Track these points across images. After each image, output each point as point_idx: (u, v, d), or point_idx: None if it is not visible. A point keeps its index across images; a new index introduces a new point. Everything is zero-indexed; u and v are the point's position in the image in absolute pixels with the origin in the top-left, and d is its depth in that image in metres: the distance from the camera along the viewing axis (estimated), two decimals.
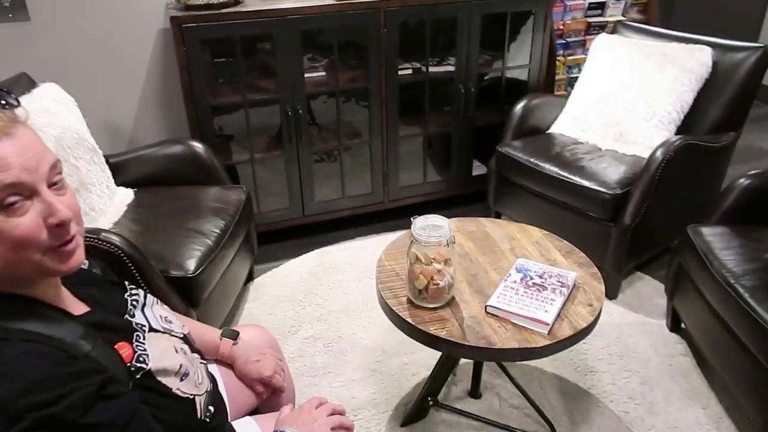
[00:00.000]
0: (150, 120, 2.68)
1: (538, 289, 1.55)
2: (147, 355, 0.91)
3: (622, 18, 3.18)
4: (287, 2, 2.40)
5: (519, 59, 2.90)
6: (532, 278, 1.60)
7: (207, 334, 1.31)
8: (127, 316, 0.98)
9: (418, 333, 1.47)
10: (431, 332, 1.44)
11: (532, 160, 2.48)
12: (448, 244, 1.46)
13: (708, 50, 2.43)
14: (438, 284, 1.47)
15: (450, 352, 1.47)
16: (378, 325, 2.23)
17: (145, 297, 1.08)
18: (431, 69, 2.72)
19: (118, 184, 2.19)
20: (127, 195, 2.15)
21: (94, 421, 0.74)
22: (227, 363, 1.32)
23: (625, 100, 2.50)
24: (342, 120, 2.72)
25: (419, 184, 2.93)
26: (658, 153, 2.17)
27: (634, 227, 2.21)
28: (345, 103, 2.80)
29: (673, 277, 2.10)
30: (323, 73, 2.61)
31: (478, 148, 2.97)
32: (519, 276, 1.61)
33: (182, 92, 2.34)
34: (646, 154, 2.29)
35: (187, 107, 2.36)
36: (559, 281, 1.58)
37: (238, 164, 2.65)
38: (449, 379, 1.98)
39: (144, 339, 0.94)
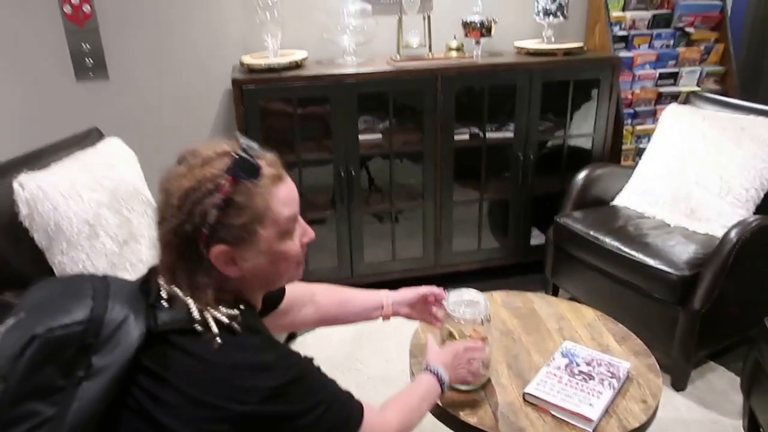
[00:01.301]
0: None
1: (584, 378, 1.41)
2: None
3: (696, 89, 3.03)
4: (346, 68, 2.45)
5: (583, 127, 2.80)
6: (578, 365, 1.46)
7: (358, 297, 1.39)
8: None
9: (446, 417, 1.36)
10: (460, 417, 1.33)
11: (592, 232, 2.34)
12: (483, 322, 1.36)
13: None
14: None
15: None
16: None
17: None
18: (489, 135, 2.68)
19: None
20: None
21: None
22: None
23: (697, 174, 2.33)
24: (395, 182, 2.69)
25: (473, 250, 2.83)
26: (733, 234, 1.99)
27: (705, 313, 2.01)
28: (399, 165, 2.78)
29: (750, 373, 1.86)
30: (378, 136, 2.62)
31: (537, 217, 2.85)
32: (564, 361, 1.47)
33: None
34: (719, 233, 2.11)
35: None
36: (609, 371, 1.43)
37: None
38: None
39: None
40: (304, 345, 2.42)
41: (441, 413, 1.37)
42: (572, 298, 2.59)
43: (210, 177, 0.85)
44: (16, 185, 1.66)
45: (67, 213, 1.72)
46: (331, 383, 0.97)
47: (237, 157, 0.86)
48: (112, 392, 0.79)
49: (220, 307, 0.88)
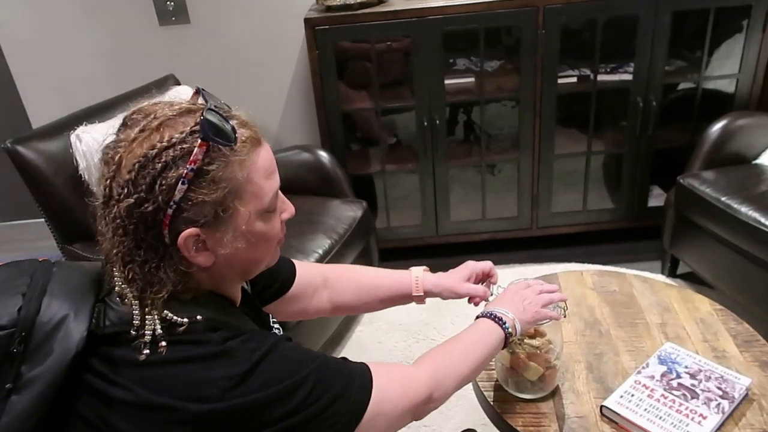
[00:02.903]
0: (289, 125, 2.64)
1: (684, 394, 1.12)
2: None
3: None
4: (430, 1, 2.15)
5: (725, 67, 2.29)
6: (679, 376, 1.16)
7: (385, 272, 1.15)
8: None
9: (505, 426, 1.14)
10: (519, 430, 1.11)
11: (723, 198, 1.91)
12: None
13: None
14: (555, 366, 1.13)
15: None
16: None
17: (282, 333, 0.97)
18: (601, 77, 2.27)
19: None
20: None
21: None
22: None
23: None
24: (487, 132, 2.40)
25: (577, 211, 2.49)
26: None
27: None
28: (491, 113, 2.47)
29: None
30: (467, 79, 2.31)
31: (657, 175, 2.43)
32: (661, 369, 1.18)
33: (314, 98, 2.24)
34: None
35: (318, 114, 2.25)
36: (719, 387, 1.12)
37: (374, 175, 2.49)
38: None
39: None
40: None
41: (497, 419, 1.16)
42: (693, 276, 2.20)
43: (173, 141, 0.68)
44: (73, 138, 1.64)
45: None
46: (319, 353, 0.79)
47: (206, 115, 0.68)
48: (48, 402, 0.68)
49: (167, 313, 0.71)
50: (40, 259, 0.76)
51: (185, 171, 0.67)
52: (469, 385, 1.29)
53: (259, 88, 2.55)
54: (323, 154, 2.17)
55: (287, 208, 0.82)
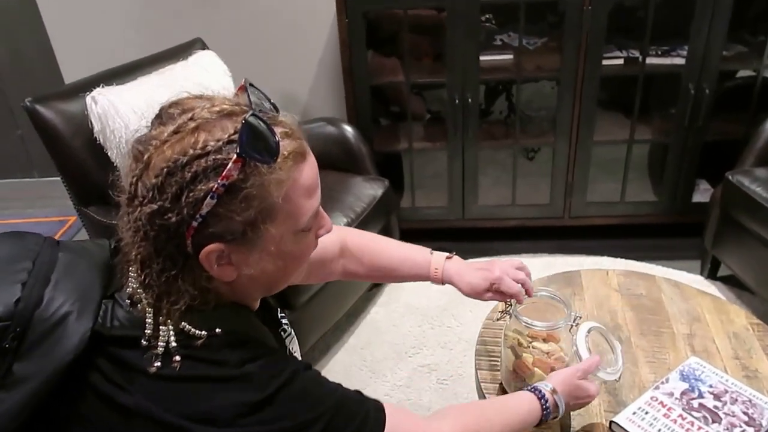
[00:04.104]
0: (320, 97, 2.56)
1: (705, 416, 1.02)
2: None
3: None
4: None
5: None
6: (701, 395, 1.06)
7: (405, 253, 1.06)
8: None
9: None
10: None
11: None
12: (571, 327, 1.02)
13: None
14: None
15: None
16: None
17: (291, 330, 0.92)
18: (650, 60, 2.10)
19: None
20: None
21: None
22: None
23: None
24: (522, 113, 2.27)
25: (614, 202, 2.35)
26: None
27: None
28: (528, 93, 2.34)
29: None
30: (503, 56, 2.18)
31: (705, 170, 2.26)
32: (682, 386, 1.08)
33: (341, 69, 2.15)
34: None
35: (346, 86, 2.17)
36: (746, 412, 1.02)
37: (401, 152, 2.40)
38: None
39: None
40: (398, 290, 2.21)
41: None
42: (734, 279, 2.05)
43: (207, 150, 0.61)
44: (88, 100, 1.61)
45: (139, 132, 1.64)
46: (337, 387, 0.73)
47: (247, 124, 0.61)
48: (37, 404, 0.63)
49: (184, 324, 0.66)
50: (45, 237, 0.70)
51: (216, 185, 0.60)
52: (474, 383, 1.22)
53: (288, 56, 2.47)
54: (348, 129, 2.10)
55: (324, 224, 0.75)
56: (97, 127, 1.59)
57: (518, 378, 1.06)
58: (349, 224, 1.82)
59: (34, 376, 0.62)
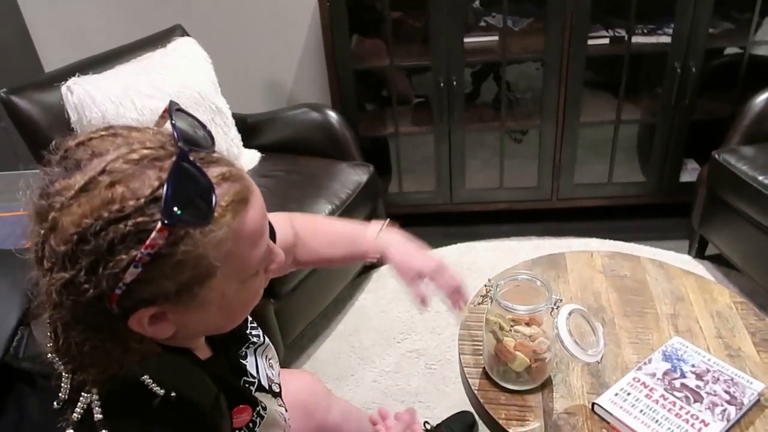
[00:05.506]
0: (303, 83, 2.52)
1: (686, 396, 1.02)
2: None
3: None
4: None
5: None
6: (683, 375, 1.06)
7: (339, 228, 1.05)
8: (240, 359, 0.79)
9: (486, 417, 1.07)
10: (500, 422, 1.03)
11: (760, 178, 1.75)
12: (552, 311, 1.01)
13: None
14: (545, 358, 1.04)
15: None
16: None
17: (264, 338, 0.87)
18: (636, 39, 2.08)
19: (250, 146, 2.10)
20: (252, 159, 2.04)
21: None
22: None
23: None
24: (508, 96, 2.25)
25: (602, 184, 2.34)
26: None
27: None
28: (513, 75, 2.32)
29: None
30: (488, 38, 2.16)
31: (693, 149, 2.25)
32: (664, 366, 1.08)
33: (324, 54, 2.12)
34: None
35: (329, 71, 2.14)
36: (728, 391, 1.02)
37: (387, 137, 2.38)
38: None
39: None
40: (387, 276, 2.20)
41: (480, 410, 1.08)
42: (721, 258, 2.05)
43: (126, 213, 0.50)
44: (64, 90, 1.58)
45: (116, 121, 1.60)
46: None
47: (173, 177, 0.50)
48: None
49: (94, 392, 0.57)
50: None
51: (139, 255, 0.50)
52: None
53: (271, 41, 2.43)
54: (332, 115, 2.07)
55: (275, 258, 0.66)
56: (74, 118, 1.56)
57: (500, 362, 1.05)
58: (333, 211, 1.80)
59: None
